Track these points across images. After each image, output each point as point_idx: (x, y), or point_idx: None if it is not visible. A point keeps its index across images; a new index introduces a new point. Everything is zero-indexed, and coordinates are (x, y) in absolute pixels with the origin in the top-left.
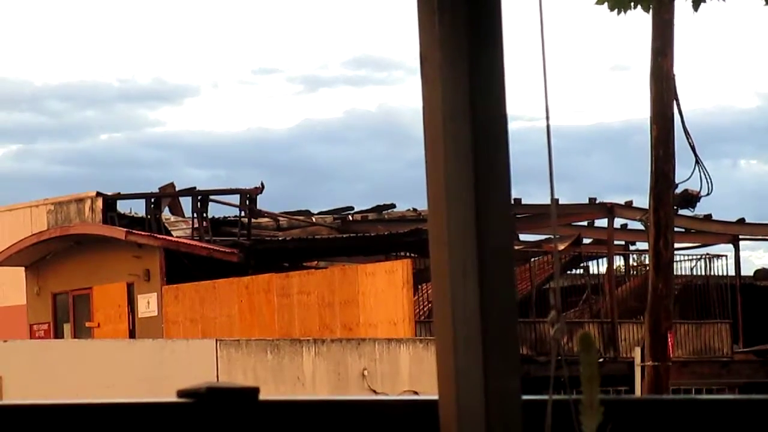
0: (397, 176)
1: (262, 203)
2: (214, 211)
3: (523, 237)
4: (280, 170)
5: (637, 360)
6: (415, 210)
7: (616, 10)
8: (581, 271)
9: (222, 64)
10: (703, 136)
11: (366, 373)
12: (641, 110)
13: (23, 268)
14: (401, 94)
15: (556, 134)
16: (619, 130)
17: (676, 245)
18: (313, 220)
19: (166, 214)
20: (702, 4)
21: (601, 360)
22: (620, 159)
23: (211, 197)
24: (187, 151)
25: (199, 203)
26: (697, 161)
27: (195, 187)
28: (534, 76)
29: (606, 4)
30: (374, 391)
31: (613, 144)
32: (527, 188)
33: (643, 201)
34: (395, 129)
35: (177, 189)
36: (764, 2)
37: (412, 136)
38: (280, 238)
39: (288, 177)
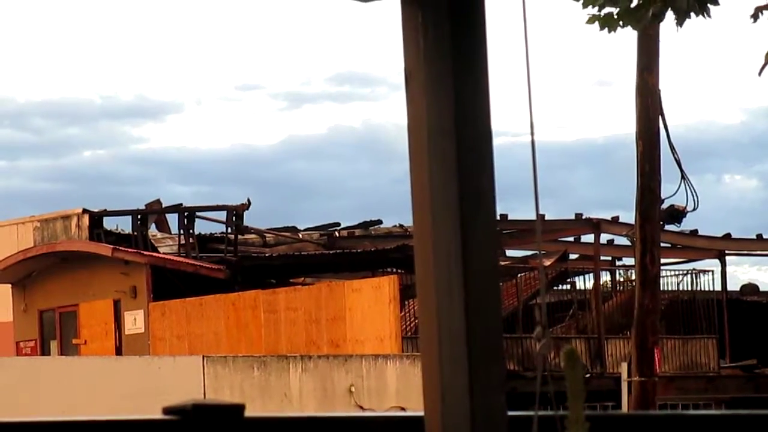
0: (382, 192)
1: (247, 220)
2: (201, 227)
3: (509, 253)
4: (265, 187)
5: (624, 375)
6: (401, 226)
7: (606, 29)
8: (568, 286)
9: (205, 81)
10: (687, 152)
11: (353, 389)
12: (625, 125)
13: (9, 285)
14: (385, 110)
15: (540, 150)
16: (602, 146)
17: (663, 260)
18: (300, 236)
19: (152, 230)
20: (686, 20)
21: (587, 375)
22: (604, 174)
23: (198, 214)
24: (170, 168)
25: (185, 220)
26: (683, 177)
27: (181, 204)
28: (518, 91)
29: (597, 23)
30: (361, 408)
31: (597, 159)
32: (512, 204)
33: (629, 216)
34: (379, 145)
35: (163, 206)
36: (752, 19)
37: (396, 151)
38: (266, 255)
39: (272, 193)
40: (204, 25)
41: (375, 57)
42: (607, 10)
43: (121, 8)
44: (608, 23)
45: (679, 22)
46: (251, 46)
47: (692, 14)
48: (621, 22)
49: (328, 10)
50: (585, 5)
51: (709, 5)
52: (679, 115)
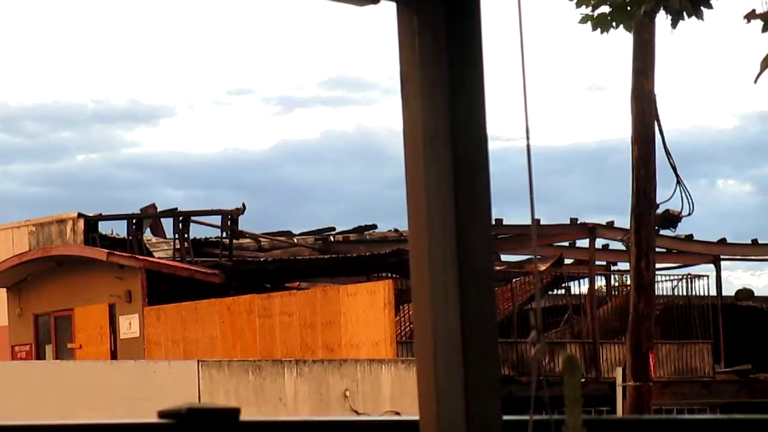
0: (376, 196)
1: (242, 224)
2: (196, 231)
3: (504, 257)
4: (258, 191)
5: (619, 380)
6: (396, 230)
7: (599, 30)
8: (563, 291)
9: (197, 85)
10: (680, 156)
11: (348, 393)
12: (618, 130)
13: (5, 290)
14: (377, 115)
15: (534, 154)
16: (595, 150)
17: (658, 265)
18: (295, 240)
19: (147, 235)
20: (680, 21)
21: (582, 380)
22: (598, 179)
23: (193, 218)
24: (163, 172)
25: (180, 224)
26: (679, 181)
27: (176, 208)
28: (511, 96)
29: (589, 23)
30: (356, 412)
31: (591, 164)
32: (507, 209)
33: (624, 221)
34: (372, 149)
35: (157, 210)
36: (745, 20)
37: (389, 156)
38: (261, 259)
39: (265, 198)
40: (196, 29)
41: (367, 61)
42: (600, 10)
43: (113, 12)
44: (601, 23)
45: (673, 23)
46: (243, 51)
47: (685, 15)
48: (614, 22)
49: (320, 13)
50: (578, 5)
51: (702, 7)
52: (671, 120)
